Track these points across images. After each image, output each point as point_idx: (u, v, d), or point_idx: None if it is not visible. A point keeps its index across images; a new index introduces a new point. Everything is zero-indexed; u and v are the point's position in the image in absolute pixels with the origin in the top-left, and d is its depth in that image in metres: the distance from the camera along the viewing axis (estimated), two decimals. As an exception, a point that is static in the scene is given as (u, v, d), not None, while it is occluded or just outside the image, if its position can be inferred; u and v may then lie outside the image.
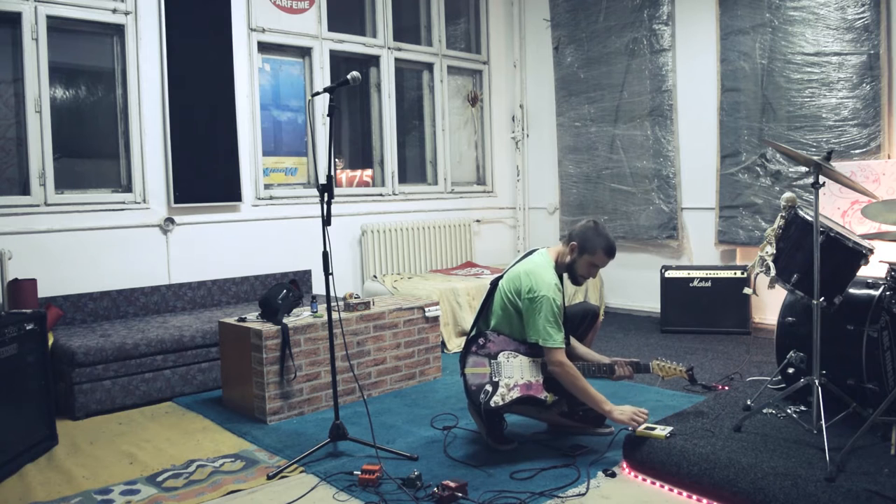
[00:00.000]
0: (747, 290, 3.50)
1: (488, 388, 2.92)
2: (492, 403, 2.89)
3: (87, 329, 4.18)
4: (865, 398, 2.90)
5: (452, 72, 6.67)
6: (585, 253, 3.03)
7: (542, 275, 2.98)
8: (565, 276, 3.12)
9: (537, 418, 3.27)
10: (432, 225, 6.26)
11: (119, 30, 4.64)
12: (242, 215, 5.20)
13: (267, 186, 5.41)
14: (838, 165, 4.14)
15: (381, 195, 6.08)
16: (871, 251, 2.82)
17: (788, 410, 3.03)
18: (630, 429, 2.89)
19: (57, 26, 4.40)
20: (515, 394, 2.92)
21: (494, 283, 3.19)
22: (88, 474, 2.96)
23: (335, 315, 3.22)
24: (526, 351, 3.01)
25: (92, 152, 4.71)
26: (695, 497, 2.60)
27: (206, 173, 4.95)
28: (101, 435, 3.47)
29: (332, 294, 3.15)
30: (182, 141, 4.80)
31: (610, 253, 3.05)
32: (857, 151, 4.71)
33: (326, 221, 3.02)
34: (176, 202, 4.80)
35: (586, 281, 3.18)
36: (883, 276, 2.96)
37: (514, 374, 2.96)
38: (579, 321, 3.32)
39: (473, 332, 3.14)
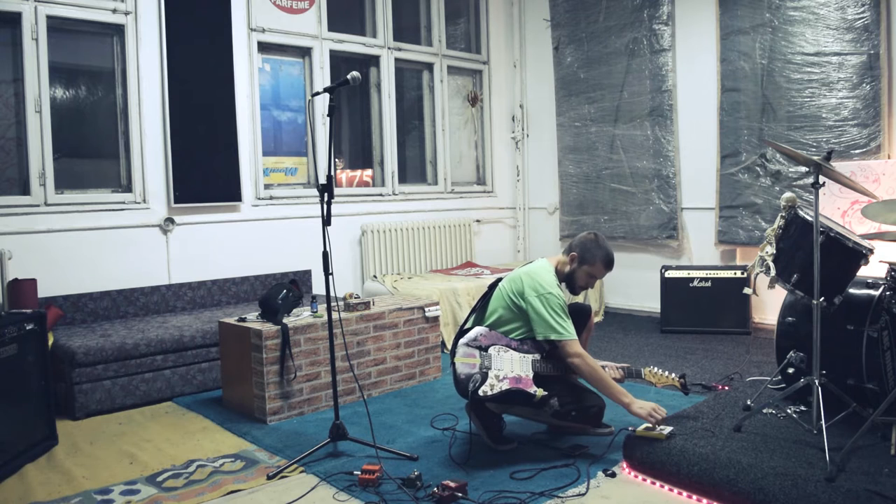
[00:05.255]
0: (747, 290, 3.50)
1: (477, 377, 2.94)
2: (480, 392, 2.91)
3: (87, 329, 4.18)
4: (865, 398, 2.90)
5: (452, 72, 6.67)
6: (585, 264, 3.13)
7: (543, 276, 3.07)
8: (563, 285, 3.18)
9: (535, 419, 3.27)
10: (432, 225, 6.26)
11: (119, 30, 4.64)
12: (242, 215, 5.20)
13: (267, 186, 5.41)
14: (838, 165, 4.14)
15: (381, 195, 6.08)
16: (871, 251, 2.82)
17: (788, 410, 3.03)
18: (648, 426, 2.87)
19: (57, 26, 4.40)
20: (504, 385, 2.93)
21: (492, 286, 3.25)
22: (88, 474, 2.96)
23: (335, 315, 3.22)
24: (517, 347, 3.04)
25: (92, 152, 4.71)
26: (695, 497, 2.60)
27: (206, 173, 4.95)
28: (101, 435, 3.47)
29: (332, 294, 3.15)
30: (182, 141, 4.80)
31: (608, 265, 3.15)
32: (857, 151, 4.71)
33: (326, 221, 3.02)
34: (176, 202, 4.80)
35: (584, 291, 3.27)
36: (883, 276, 2.96)
37: (503, 367, 2.98)
38: (574, 321, 3.32)
39: (465, 327, 3.17)
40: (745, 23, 5.23)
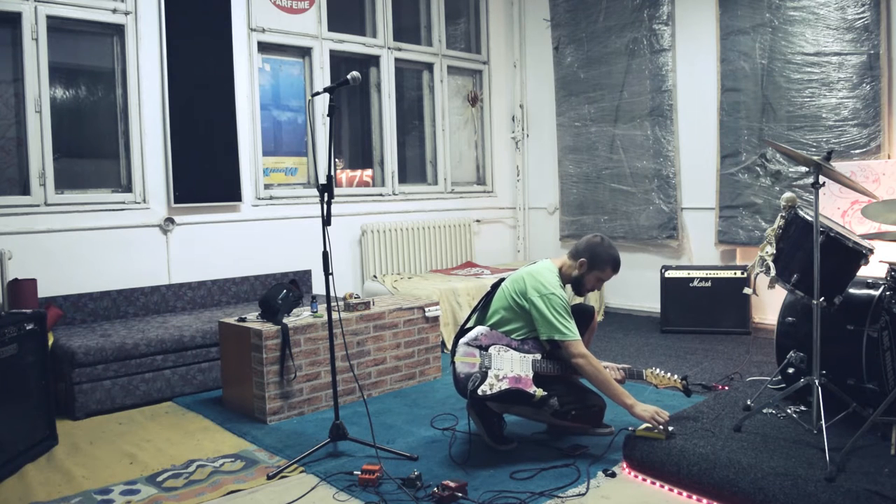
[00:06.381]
0: (747, 290, 3.49)
1: (477, 376, 2.95)
2: (479, 391, 2.91)
3: (87, 329, 4.18)
4: (865, 398, 2.90)
5: (452, 72, 6.67)
6: (595, 269, 3.15)
7: (546, 276, 3.08)
8: (568, 287, 3.19)
9: (535, 419, 3.27)
10: (432, 225, 6.26)
11: (119, 30, 4.64)
12: (242, 215, 5.20)
13: (267, 186, 5.41)
14: (838, 165, 4.14)
15: (381, 195, 6.08)
16: (871, 251, 2.82)
17: (788, 410, 3.03)
18: (655, 427, 2.86)
19: (57, 26, 4.40)
20: (504, 385, 2.94)
21: (495, 286, 3.25)
22: (88, 474, 2.96)
23: (335, 315, 3.22)
24: (517, 347, 3.05)
25: (92, 152, 4.71)
26: (695, 497, 2.60)
27: (206, 173, 4.95)
28: (101, 435, 3.47)
29: (332, 294, 3.15)
30: (182, 141, 4.80)
31: (616, 268, 3.19)
32: (857, 151, 4.71)
33: (326, 221, 3.02)
34: (176, 202, 4.80)
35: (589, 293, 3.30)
36: (883, 276, 2.96)
37: (503, 367, 2.99)
38: (577, 322, 3.33)
39: (466, 326, 3.17)
40: (745, 23, 5.23)
